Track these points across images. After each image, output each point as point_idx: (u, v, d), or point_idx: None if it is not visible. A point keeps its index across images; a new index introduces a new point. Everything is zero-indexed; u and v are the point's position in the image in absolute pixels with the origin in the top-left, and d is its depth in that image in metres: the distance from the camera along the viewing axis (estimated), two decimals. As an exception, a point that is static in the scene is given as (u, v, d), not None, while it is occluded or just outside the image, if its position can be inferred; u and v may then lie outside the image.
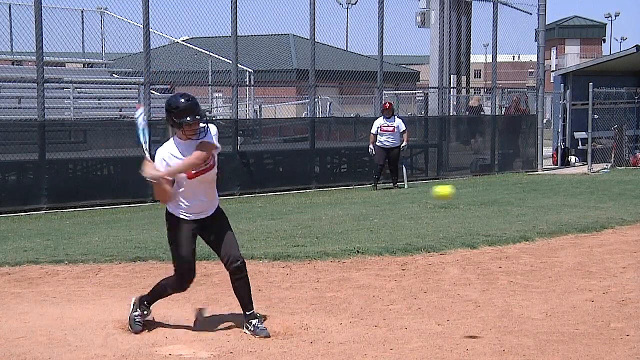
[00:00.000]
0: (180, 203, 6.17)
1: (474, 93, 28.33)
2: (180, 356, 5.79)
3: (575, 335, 6.31)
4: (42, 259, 9.11)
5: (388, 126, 17.46)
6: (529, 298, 7.52)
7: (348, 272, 8.54)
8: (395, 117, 17.81)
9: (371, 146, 17.53)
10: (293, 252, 9.34)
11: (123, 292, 7.66)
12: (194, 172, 6.07)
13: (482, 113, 23.83)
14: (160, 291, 6.46)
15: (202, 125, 6.10)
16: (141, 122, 6.23)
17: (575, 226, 11.35)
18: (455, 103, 23.79)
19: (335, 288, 7.90)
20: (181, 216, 6.19)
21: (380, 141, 17.46)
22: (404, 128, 17.59)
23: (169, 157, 6.10)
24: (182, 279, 6.31)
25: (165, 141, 6.24)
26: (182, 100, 6.06)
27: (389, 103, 17.99)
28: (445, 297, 7.57)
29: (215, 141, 6.13)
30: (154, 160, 6.07)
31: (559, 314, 6.93)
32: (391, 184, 17.87)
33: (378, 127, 17.49)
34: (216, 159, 6.23)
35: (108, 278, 8.36)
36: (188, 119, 6.01)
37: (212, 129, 6.20)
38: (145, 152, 6.10)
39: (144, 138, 6.17)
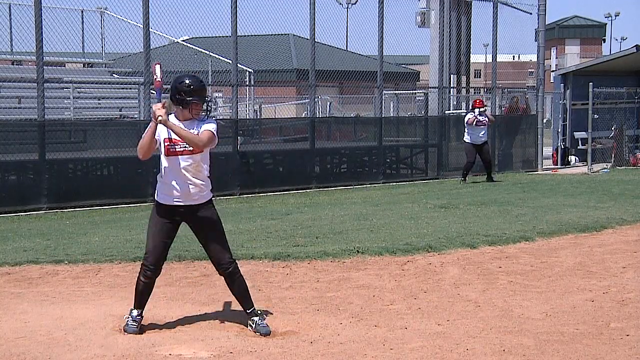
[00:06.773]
0: (159, 178, 6.35)
1: (474, 93, 28.30)
2: (180, 356, 5.79)
3: (575, 335, 6.31)
4: (42, 259, 9.09)
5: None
6: (529, 298, 7.52)
7: (348, 272, 8.54)
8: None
9: None
10: (293, 252, 9.33)
11: (123, 292, 7.65)
12: (171, 149, 6.23)
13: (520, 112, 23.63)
14: (136, 287, 6.47)
15: (203, 108, 6.34)
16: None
17: (575, 226, 11.35)
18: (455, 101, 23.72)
19: (335, 288, 7.90)
20: (158, 199, 6.37)
21: None
22: None
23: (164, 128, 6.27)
24: (142, 267, 6.43)
25: None
26: (194, 81, 6.30)
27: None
28: (445, 297, 7.57)
29: (215, 133, 6.32)
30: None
31: (559, 314, 6.93)
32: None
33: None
34: (201, 156, 6.30)
35: (108, 278, 8.36)
36: (196, 99, 6.23)
37: (213, 121, 6.40)
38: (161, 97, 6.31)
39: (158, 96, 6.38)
